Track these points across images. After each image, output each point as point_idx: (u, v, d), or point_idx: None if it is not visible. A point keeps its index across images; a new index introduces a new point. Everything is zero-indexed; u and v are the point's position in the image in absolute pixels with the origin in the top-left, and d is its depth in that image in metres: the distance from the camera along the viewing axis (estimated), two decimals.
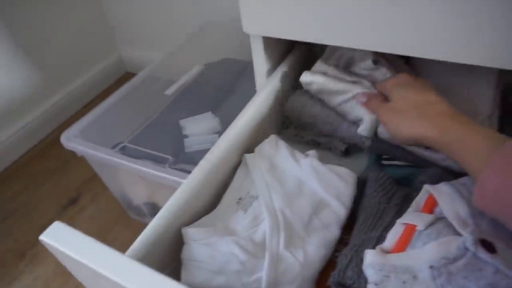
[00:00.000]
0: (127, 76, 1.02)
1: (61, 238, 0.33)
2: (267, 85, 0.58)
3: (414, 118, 0.41)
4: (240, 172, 0.49)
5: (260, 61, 0.59)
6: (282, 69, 0.60)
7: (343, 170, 0.48)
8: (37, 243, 1.06)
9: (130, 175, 0.84)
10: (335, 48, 0.57)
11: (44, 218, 1.12)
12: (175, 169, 0.73)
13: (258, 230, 0.43)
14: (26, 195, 1.21)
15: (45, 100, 1.40)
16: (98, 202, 1.13)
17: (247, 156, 0.50)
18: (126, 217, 1.06)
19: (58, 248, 0.32)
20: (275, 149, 0.51)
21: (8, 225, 1.13)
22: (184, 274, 0.41)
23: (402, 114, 0.43)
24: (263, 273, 0.39)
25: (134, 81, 0.93)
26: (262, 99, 0.56)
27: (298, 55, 0.64)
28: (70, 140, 0.81)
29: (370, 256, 0.35)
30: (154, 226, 0.40)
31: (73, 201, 1.15)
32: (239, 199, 0.46)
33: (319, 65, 0.55)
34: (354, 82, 0.52)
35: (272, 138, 0.52)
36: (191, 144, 0.77)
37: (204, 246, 0.40)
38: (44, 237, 0.34)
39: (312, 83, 0.53)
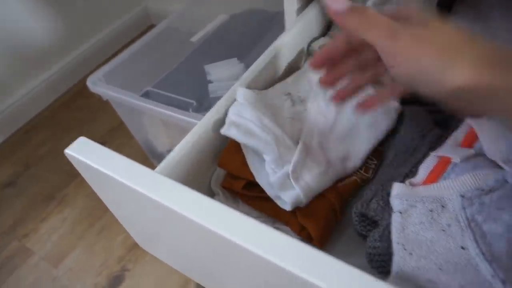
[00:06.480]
0: (151, 28, 1.05)
1: (85, 152, 0.33)
2: (296, 24, 0.56)
3: (468, 57, 0.26)
4: (296, 73, 0.51)
5: None
6: (312, 8, 0.58)
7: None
8: (65, 187, 1.10)
9: (154, 121, 0.84)
10: None
11: (70, 165, 1.14)
12: (199, 113, 0.72)
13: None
14: (53, 143, 1.24)
15: (71, 51, 1.41)
16: (122, 151, 1.15)
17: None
18: (149, 166, 1.07)
19: (82, 161, 0.33)
20: None
21: (36, 170, 1.17)
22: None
23: (449, 50, 0.27)
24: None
25: (157, 29, 0.92)
26: (291, 37, 0.54)
27: None
28: (96, 84, 0.81)
29: (397, 188, 0.34)
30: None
31: None
32: (289, 93, 0.47)
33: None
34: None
35: None
36: (215, 89, 0.76)
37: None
38: (69, 151, 0.34)
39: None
